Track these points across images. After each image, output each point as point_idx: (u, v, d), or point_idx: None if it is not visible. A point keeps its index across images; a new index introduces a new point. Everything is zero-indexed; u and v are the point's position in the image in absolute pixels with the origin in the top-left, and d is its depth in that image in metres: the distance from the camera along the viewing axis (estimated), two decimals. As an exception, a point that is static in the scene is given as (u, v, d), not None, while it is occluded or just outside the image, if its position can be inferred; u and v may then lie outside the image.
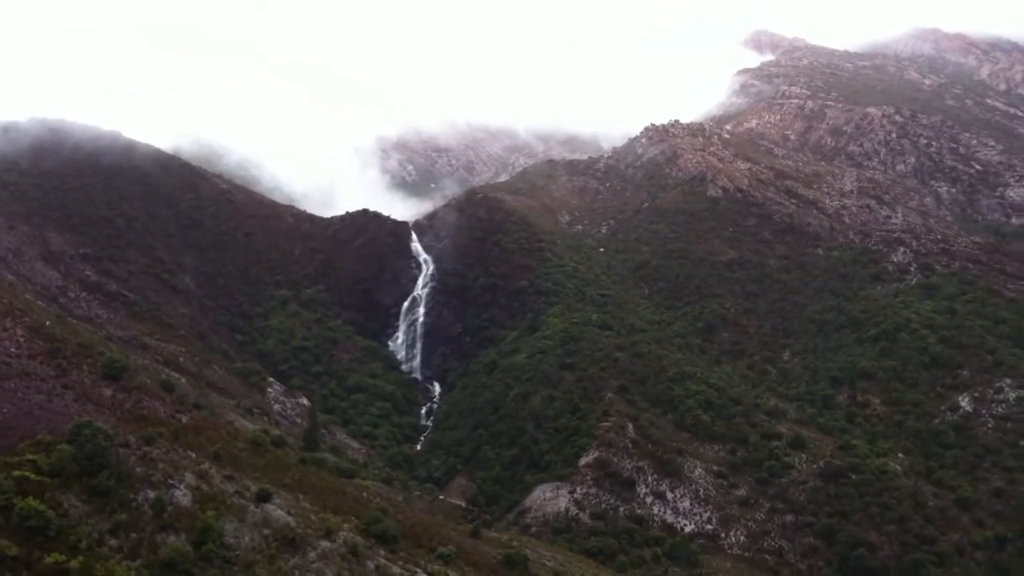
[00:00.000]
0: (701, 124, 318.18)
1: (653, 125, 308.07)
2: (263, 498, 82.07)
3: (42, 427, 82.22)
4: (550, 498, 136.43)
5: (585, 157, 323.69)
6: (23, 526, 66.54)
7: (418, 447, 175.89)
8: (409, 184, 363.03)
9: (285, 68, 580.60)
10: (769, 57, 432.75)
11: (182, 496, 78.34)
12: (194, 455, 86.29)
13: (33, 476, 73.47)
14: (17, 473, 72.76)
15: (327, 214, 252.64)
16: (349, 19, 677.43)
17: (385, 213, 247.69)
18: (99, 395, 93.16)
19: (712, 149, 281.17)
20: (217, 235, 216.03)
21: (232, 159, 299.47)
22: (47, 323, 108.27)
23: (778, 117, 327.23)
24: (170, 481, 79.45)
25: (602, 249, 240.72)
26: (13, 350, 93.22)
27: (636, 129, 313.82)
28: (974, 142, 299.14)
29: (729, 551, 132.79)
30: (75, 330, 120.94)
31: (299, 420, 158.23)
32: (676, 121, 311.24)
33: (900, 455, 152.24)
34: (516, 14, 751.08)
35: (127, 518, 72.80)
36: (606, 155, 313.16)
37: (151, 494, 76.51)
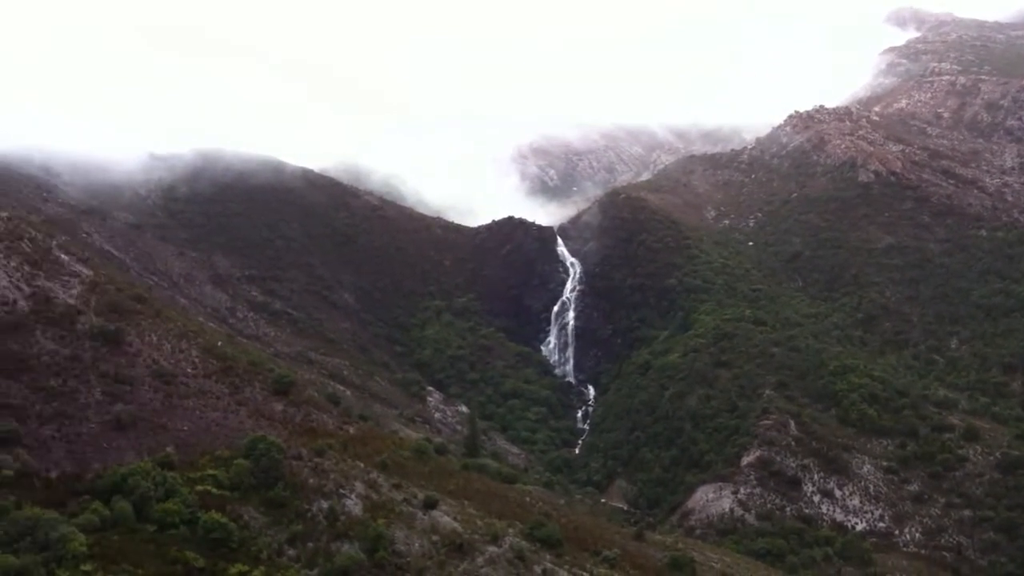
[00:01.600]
0: (847, 108, 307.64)
1: (797, 112, 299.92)
2: (430, 505, 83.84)
3: (220, 443, 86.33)
4: (713, 499, 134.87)
5: (727, 150, 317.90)
6: (207, 538, 69.99)
7: (576, 451, 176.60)
8: (551, 189, 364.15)
9: (287, 67, 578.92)
10: (914, 34, 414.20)
11: (353, 505, 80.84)
12: (362, 465, 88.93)
13: (214, 490, 77.25)
14: (200, 487, 76.66)
15: (470, 224, 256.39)
16: (359, 19, 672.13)
17: (528, 219, 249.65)
18: (270, 410, 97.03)
19: (861, 133, 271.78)
20: (371, 250, 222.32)
21: (377, 177, 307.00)
22: (219, 343, 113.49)
23: (929, 95, 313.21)
24: (341, 491, 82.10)
25: (751, 243, 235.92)
26: (190, 370, 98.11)
27: (779, 118, 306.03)
28: None
29: (904, 549, 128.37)
30: (245, 349, 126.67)
31: (459, 427, 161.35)
32: (821, 106, 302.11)
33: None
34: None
35: (303, 528, 75.58)
36: (749, 146, 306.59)
37: (324, 504, 79.23)
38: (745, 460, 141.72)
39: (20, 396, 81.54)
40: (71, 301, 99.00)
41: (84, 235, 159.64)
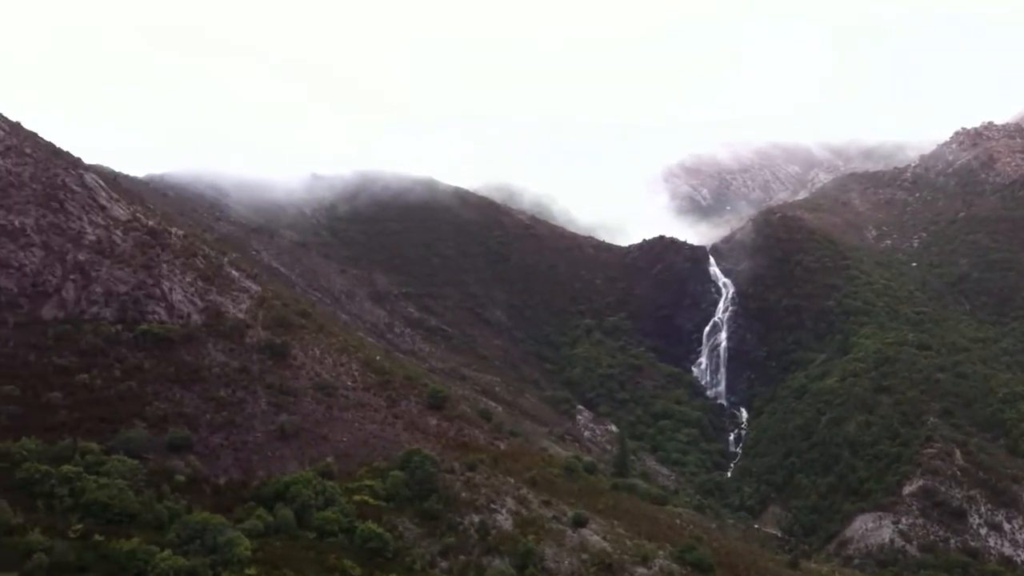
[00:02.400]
0: (1018, 124, 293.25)
1: (964, 129, 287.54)
2: (580, 523, 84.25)
3: (377, 454, 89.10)
4: (872, 528, 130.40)
5: (889, 168, 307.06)
6: (364, 548, 72.39)
7: (728, 474, 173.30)
8: (703, 208, 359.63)
9: (287, 67, 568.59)
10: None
11: (504, 520, 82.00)
12: (512, 480, 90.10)
13: (371, 500, 79.85)
14: (357, 498, 79.38)
15: (620, 242, 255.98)
16: (359, 19, 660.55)
17: (679, 238, 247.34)
18: (425, 424, 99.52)
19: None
20: (523, 268, 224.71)
21: (528, 196, 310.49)
22: (377, 357, 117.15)
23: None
24: (492, 505, 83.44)
25: (915, 264, 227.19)
26: (350, 383, 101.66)
27: (944, 135, 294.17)
28: None
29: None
30: (401, 363, 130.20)
31: (608, 446, 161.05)
32: (990, 123, 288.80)
33: None
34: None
35: (455, 541, 77.20)
36: (912, 164, 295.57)
37: (475, 518, 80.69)
38: (907, 489, 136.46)
39: (192, 405, 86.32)
40: (240, 315, 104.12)
41: (253, 252, 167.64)
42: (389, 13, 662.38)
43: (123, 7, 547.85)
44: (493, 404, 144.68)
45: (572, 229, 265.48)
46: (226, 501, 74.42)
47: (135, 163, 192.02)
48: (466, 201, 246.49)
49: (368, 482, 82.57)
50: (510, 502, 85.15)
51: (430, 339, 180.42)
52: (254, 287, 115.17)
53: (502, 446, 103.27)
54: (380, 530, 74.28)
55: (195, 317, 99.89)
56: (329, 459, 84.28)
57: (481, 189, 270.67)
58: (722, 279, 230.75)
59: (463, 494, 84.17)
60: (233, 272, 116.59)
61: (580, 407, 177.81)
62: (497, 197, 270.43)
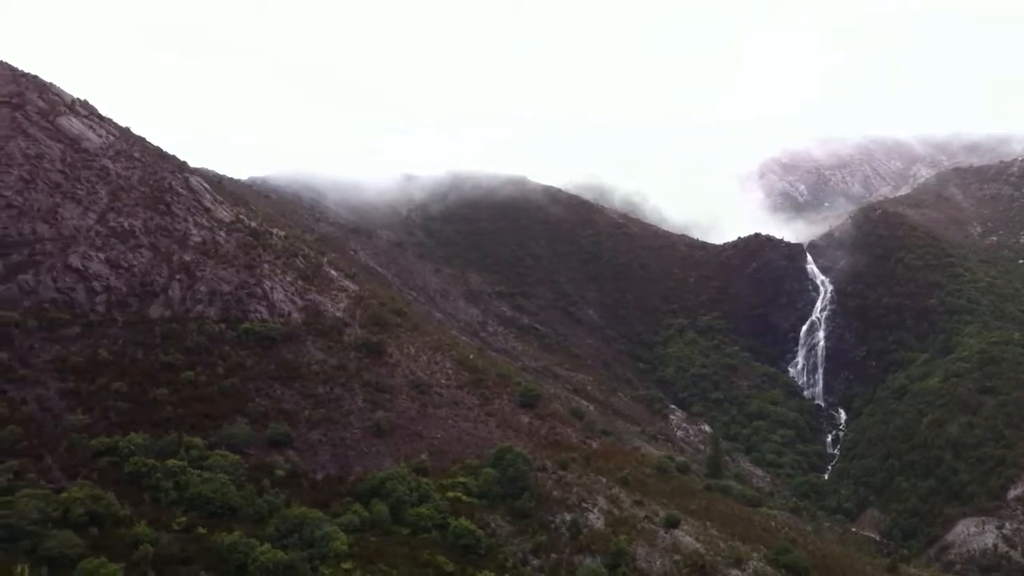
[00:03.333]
0: None
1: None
2: (672, 523, 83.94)
3: (470, 451, 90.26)
4: (975, 533, 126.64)
5: (995, 162, 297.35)
6: (457, 544, 73.39)
7: (825, 476, 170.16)
8: (800, 204, 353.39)
9: (285, 70, 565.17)
10: None
11: (595, 519, 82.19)
12: (604, 480, 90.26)
13: (464, 497, 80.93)
14: (451, 494, 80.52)
15: (714, 240, 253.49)
16: (350, 20, 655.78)
17: (775, 236, 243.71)
18: (517, 422, 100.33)
19: None
20: (615, 267, 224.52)
21: (618, 194, 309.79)
22: (471, 356, 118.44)
23: None
24: (584, 504, 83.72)
25: (1021, 261, 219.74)
26: (444, 381, 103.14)
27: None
28: None
29: None
30: (494, 362, 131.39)
31: (702, 447, 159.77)
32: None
33: None
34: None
35: (547, 539, 77.67)
36: (1020, 158, 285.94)
37: (567, 516, 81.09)
38: (1012, 493, 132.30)
39: (292, 402, 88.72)
40: (339, 314, 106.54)
41: (351, 252, 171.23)
42: (389, 13, 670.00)
43: (123, 7, 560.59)
44: (585, 403, 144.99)
45: (665, 228, 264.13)
46: (323, 496, 76.16)
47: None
48: (556, 199, 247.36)
49: (461, 479, 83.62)
50: (602, 501, 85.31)
51: (523, 338, 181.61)
52: (352, 286, 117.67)
53: (594, 445, 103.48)
54: (473, 527, 75.08)
55: (295, 315, 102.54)
56: (423, 456, 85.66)
57: (570, 187, 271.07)
58: (820, 277, 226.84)
59: (555, 492, 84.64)
60: (332, 272, 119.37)
61: (673, 407, 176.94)
62: (588, 196, 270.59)
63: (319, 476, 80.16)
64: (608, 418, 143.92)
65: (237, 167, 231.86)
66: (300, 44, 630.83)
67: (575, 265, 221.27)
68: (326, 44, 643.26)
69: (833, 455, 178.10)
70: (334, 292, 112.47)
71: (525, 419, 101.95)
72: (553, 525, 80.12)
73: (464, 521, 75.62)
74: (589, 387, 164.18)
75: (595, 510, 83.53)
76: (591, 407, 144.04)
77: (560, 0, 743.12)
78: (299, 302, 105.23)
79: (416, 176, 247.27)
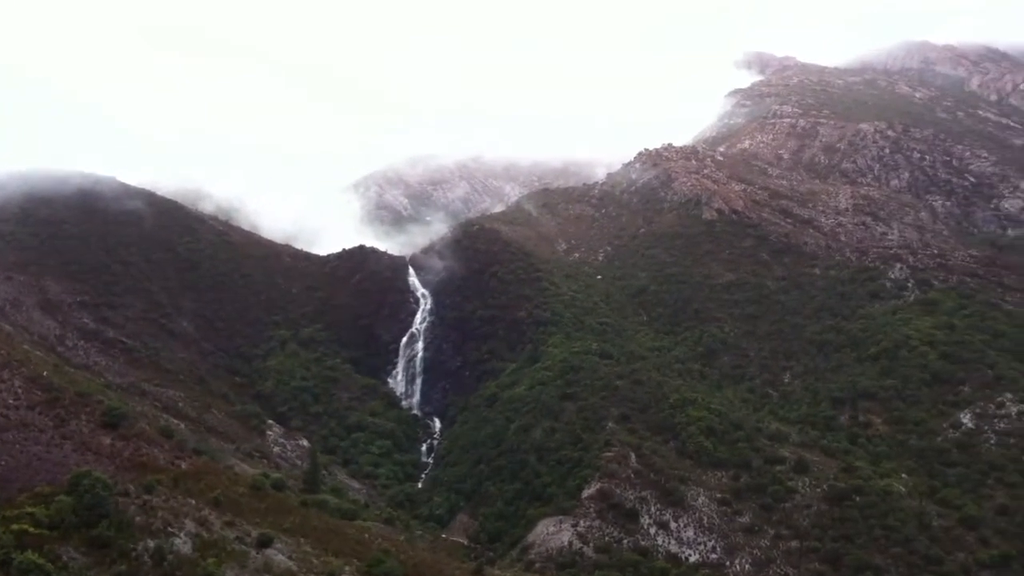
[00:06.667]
0: (694, 147, 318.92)
1: (647, 150, 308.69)
2: (264, 543, 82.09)
3: (41, 478, 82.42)
4: (553, 532, 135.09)
5: (581, 184, 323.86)
6: (22, 581, 66.45)
7: (419, 485, 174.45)
8: (404, 218, 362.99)
9: (285, 70, 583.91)
10: (759, 77, 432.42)
11: (182, 544, 78.40)
12: (194, 502, 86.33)
13: (32, 529, 73.59)
14: (16, 527, 72.88)
15: (318, 252, 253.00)
16: (350, 20, 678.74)
17: (381, 248, 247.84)
18: (98, 444, 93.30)
19: (706, 171, 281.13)
20: (215, 277, 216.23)
21: (213, 200, 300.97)
22: (44, 373, 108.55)
23: (771, 137, 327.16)
24: (170, 529, 79.54)
25: (600, 276, 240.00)
26: (11, 401, 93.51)
27: (631, 154, 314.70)
28: (967, 154, 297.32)
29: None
30: (73, 379, 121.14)
31: (299, 462, 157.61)
32: (669, 145, 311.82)
33: (904, 475, 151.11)
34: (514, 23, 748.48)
35: (127, 568, 72.99)
36: (601, 182, 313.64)
37: (151, 543, 76.56)
38: (586, 493, 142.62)
39: None
40: None
41: None
42: (389, 13, 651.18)
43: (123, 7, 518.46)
44: (176, 421, 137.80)
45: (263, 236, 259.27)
46: None
47: None
48: (153, 203, 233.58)
49: (29, 509, 76.16)
50: (190, 524, 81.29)
51: (108, 352, 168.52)
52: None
53: (184, 465, 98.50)
54: (41, 560, 68.77)
55: None
56: (-17, 486, 76.78)
57: (165, 191, 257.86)
58: (420, 289, 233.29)
59: (138, 518, 79.44)
60: None
61: (271, 422, 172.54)
62: (184, 200, 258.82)
63: None
64: (201, 436, 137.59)
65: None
66: (300, 44, 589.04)
67: (171, 274, 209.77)
68: (326, 44, 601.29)
69: (427, 464, 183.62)
70: None
71: (107, 440, 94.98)
72: (135, 553, 75.08)
73: (31, 554, 68.90)
74: (181, 404, 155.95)
75: (182, 534, 79.46)
76: (182, 425, 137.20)
77: (560, 0, 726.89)
78: None
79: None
